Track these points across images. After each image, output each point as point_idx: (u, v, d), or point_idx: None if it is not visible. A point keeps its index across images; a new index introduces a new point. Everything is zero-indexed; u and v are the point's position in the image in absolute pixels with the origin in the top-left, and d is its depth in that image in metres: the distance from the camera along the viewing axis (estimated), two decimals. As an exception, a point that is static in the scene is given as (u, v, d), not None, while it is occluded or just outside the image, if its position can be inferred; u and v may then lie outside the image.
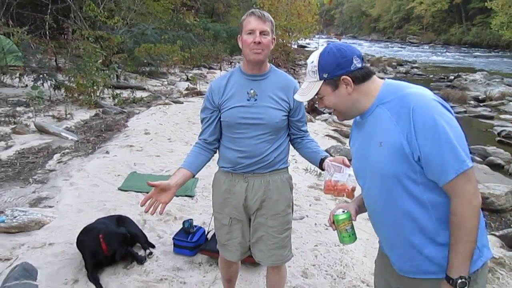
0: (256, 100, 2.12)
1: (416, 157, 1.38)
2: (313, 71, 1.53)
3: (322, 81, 1.52)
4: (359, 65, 1.50)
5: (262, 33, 2.03)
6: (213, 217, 2.48)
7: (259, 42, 2.02)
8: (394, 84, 1.52)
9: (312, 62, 1.54)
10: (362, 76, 1.51)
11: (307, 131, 2.33)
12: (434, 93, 1.46)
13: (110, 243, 3.08)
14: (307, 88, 1.57)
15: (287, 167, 2.29)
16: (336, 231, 1.72)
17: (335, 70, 1.49)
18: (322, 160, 2.15)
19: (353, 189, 1.88)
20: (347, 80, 1.49)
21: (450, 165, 1.34)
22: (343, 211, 1.69)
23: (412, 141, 1.36)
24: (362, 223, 4.18)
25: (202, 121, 2.27)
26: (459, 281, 1.37)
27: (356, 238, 1.71)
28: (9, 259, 3.13)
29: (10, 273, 2.84)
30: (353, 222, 1.71)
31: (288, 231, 2.30)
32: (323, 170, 2.12)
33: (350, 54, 1.50)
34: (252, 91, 2.12)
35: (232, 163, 2.19)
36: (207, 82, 13.57)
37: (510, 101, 13.69)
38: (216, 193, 2.32)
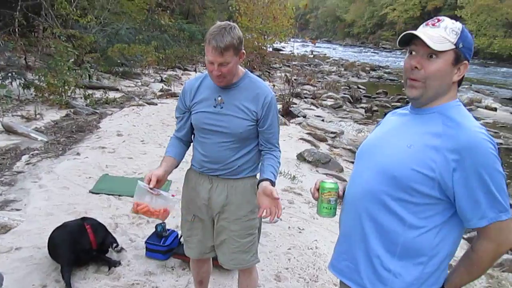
0: (222, 107, 2.11)
1: (444, 187, 1.34)
2: (455, 32, 1.37)
3: (454, 47, 1.37)
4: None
5: (221, 64, 1.95)
6: None
7: (219, 75, 1.99)
8: (461, 109, 1.43)
9: (455, 24, 1.39)
10: (463, 77, 1.45)
11: (275, 145, 2.21)
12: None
13: (98, 233, 3.15)
14: (439, 40, 1.36)
15: (255, 175, 2.26)
16: (317, 200, 1.64)
17: (469, 50, 1.40)
18: (259, 182, 2.08)
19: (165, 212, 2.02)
20: (466, 66, 1.41)
21: (485, 212, 1.32)
22: (332, 182, 1.62)
23: (447, 173, 1.32)
24: (335, 226, 4.23)
25: (176, 119, 2.31)
26: None
27: (335, 214, 1.63)
28: (-27, 265, 3.02)
29: (-26, 279, 2.74)
30: (338, 198, 1.62)
31: (251, 237, 2.28)
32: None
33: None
34: (219, 98, 2.11)
35: (198, 164, 2.24)
36: (181, 84, 13.44)
37: (478, 107, 14.12)
38: (185, 189, 2.36)
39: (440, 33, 1.37)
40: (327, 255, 3.64)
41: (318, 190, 1.63)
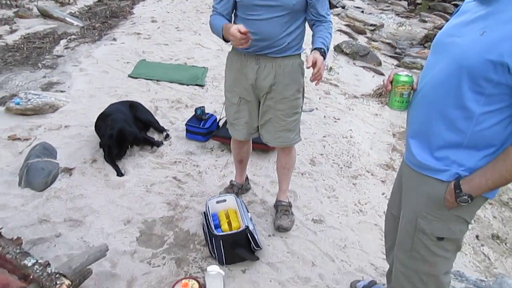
0: None
1: None
2: None
3: None
4: None
5: None
6: (224, 105, 2.52)
7: None
8: None
9: None
10: None
11: (325, 16, 2.18)
12: None
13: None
14: None
15: (300, 53, 2.25)
16: (389, 93, 1.57)
17: None
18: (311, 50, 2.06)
19: None
20: None
21: None
22: (407, 75, 1.53)
23: None
24: (371, 117, 4.25)
25: None
26: (465, 197, 1.36)
27: (407, 108, 1.56)
28: (28, 139, 3.23)
29: (31, 151, 2.96)
30: (411, 90, 1.53)
31: (296, 115, 2.33)
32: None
33: None
34: None
35: None
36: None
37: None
38: (228, 72, 2.34)
39: None
40: (360, 143, 3.71)
41: (391, 82, 1.55)
